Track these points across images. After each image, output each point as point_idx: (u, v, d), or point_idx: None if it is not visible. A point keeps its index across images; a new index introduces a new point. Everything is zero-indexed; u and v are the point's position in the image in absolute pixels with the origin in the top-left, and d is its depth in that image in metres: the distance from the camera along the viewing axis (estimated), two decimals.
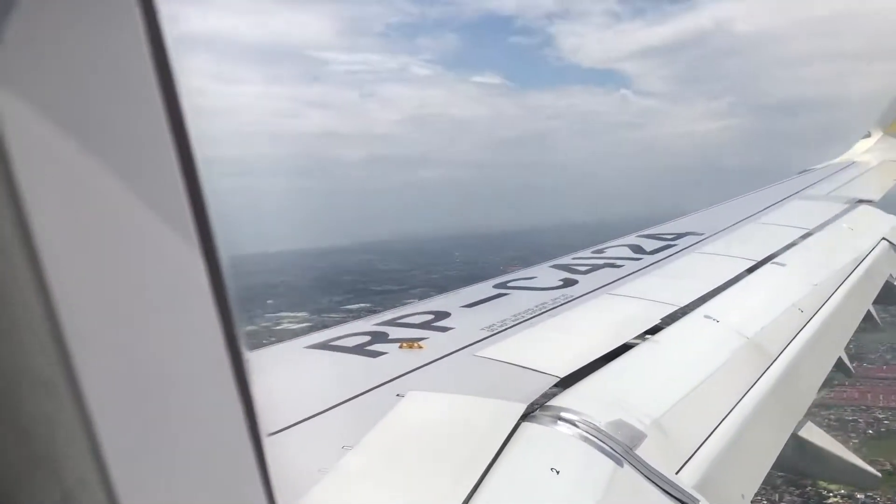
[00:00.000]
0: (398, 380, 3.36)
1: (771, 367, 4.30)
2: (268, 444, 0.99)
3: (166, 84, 0.79)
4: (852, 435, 30.90)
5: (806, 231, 7.30)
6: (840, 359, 5.44)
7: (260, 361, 3.75)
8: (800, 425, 4.35)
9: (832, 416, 32.92)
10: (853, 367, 6.17)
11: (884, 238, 7.84)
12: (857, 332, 6.07)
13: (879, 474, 5.88)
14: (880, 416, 32.75)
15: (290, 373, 3.67)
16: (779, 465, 3.94)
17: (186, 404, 0.86)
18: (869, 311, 6.51)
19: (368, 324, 4.40)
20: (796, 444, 4.26)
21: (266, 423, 0.99)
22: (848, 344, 5.83)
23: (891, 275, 7.44)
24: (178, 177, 0.81)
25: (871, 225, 8.40)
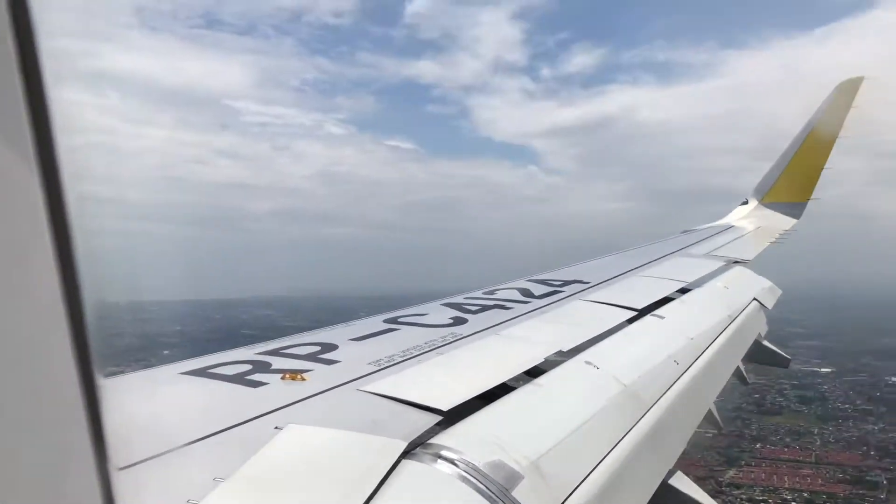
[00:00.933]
0: (278, 412, 3.28)
1: (646, 416, 4.44)
2: (118, 475, 0.95)
3: (37, 117, 0.76)
4: None
5: (684, 285, 7.65)
6: (710, 411, 5.68)
7: (128, 386, 3.58)
8: (670, 474, 4.50)
9: (744, 496, 34.58)
10: (721, 421, 6.45)
11: (755, 298, 8.32)
12: (727, 386, 6.37)
13: None
14: (787, 497, 34.52)
15: (161, 399, 3.51)
16: None
17: (29, 429, 0.81)
18: (739, 367, 6.86)
19: (251, 352, 4.28)
20: (666, 492, 4.40)
21: (120, 454, 0.95)
22: (720, 398, 6.11)
23: (759, 333, 7.89)
24: (41, 207, 0.78)
25: (744, 284, 8.91)
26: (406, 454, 2.96)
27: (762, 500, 33.98)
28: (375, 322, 5.31)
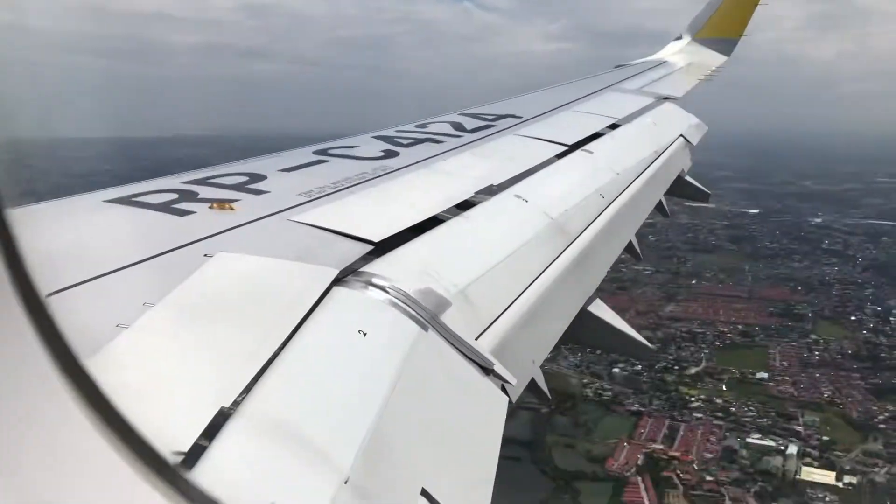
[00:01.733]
0: (206, 240, 3.25)
1: (570, 247, 4.60)
2: (48, 300, 0.94)
3: None
4: (703, 346, 34.71)
5: (614, 121, 7.72)
6: (631, 243, 5.92)
7: (51, 214, 3.48)
8: (589, 301, 4.74)
9: (683, 328, 36.67)
10: (640, 251, 6.73)
11: (681, 134, 8.48)
12: (647, 219, 6.61)
13: (653, 346, 6.59)
14: (724, 330, 36.75)
15: (86, 227, 3.44)
16: (568, 336, 4.30)
17: None
18: (661, 201, 7.09)
19: (176, 181, 4.18)
20: (585, 318, 4.65)
21: (45, 280, 0.94)
22: (639, 232, 6.34)
23: (683, 169, 8.10)
24: None
25: (672, 121, 9.04)
26: (337, 281, 3.02)
27: (701, 332, 36.36)
28: (305, 153, 5.22)
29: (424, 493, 2.23)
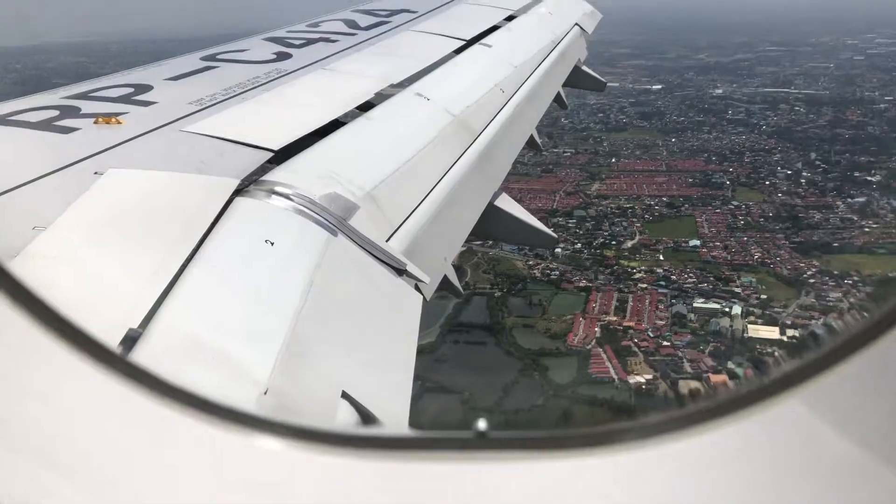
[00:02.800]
0: (95, 157, 3.08)
1: (474, 143, 4.60)
2: None
3: None
4: (634, 220, 35.54)
5: (511, 13, 7.61)
6: (532, 136, 5.96)
7: None
8: (495, 195, 4.79)
9: (612, 205, 37.42)
10: (541, 143, 6.79)
11: (576, 24, 8.46)
12: (547, 111, 6.66)
13: (556, 236, 6.77)
14: (650, 203, 37.63)
15: None
16: (476, 231, 4.36)
17: None
18: (559, 93, 7.12)
19: (55, 97, 3.90)
20: (492, 213, 4.70)
21: None
22: (553, 114, 6.37)
23: (579, 59, 8.13)
24: None
25: (567, 10, 8.98)
26: (238, 192, 2.93)
27: (629, 207, 37.22)
28: (192, 60, 4.94)
29: (345, 395, 2.25)
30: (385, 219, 3.42)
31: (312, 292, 2.55)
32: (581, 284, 30.67)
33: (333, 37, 5.84)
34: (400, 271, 3.09)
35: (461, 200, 4.15)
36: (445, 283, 3.72)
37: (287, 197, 3.03)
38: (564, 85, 7.32)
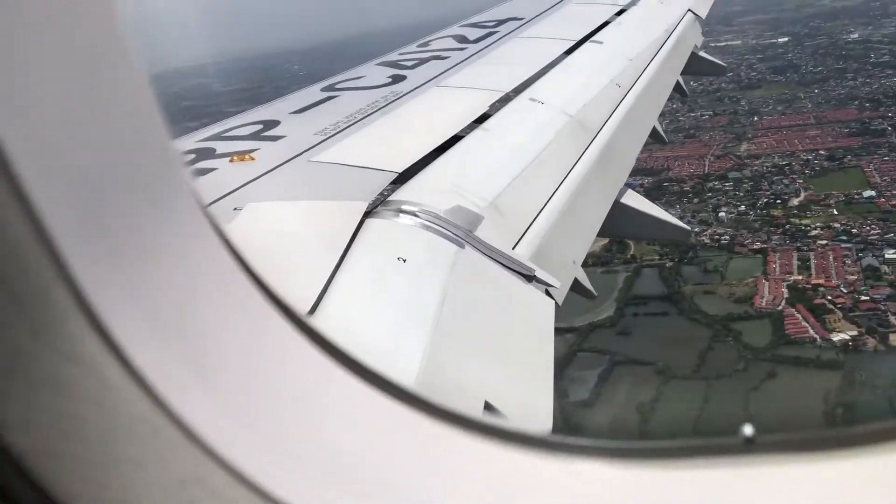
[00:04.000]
0: (233, 194, 3.27)
1: (593, 142, 4.54)
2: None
3: None
4: (794, 177, 33.33)
5: (621, 7, 7.47)
6: (655, 128, 5.82)
7: None
8: (621, 193, 4.70)
9: (766, 164, 35.19)
10: (666, 135, 6.62)
11: (689, 10, 8.20)
12: (668, 101, 6.48)
13: (689, 228, 6.59)
14: (807, 158, 34.66)
15: None
16: (604, 230, 4.30)
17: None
18: (678, 81, 6.92)
19: (190, 142, 4.18)
20: (619, 211, 4.62)
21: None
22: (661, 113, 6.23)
23: (695, 45, 7.87)
24: None
25: None
26: (368, 214, 3.03)
27: (786, 164, 34.98)
28: (312, 92, 5.16)
29: (488, 406, 2.28)
30: (510, 227, 3.44)
31: (446, 305, 2.60)
32: (755, 247, 28.77)
33: (444, 53, 5.94)
34: (529, 278, 3.10)
35: (585, 201, 4.10)
36: (576, 286, 3.69)
37: (414, 214, 3.10)
38: (683, 73, 7.11)
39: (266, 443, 0.98)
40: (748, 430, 1.01)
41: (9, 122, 0.69)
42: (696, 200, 32.68)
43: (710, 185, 33.00)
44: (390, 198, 3.25)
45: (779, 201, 31.53)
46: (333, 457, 1.04)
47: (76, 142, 0.79)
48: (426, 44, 6.43)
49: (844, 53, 48.85)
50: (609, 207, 4.39)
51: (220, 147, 3.97)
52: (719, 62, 8.38)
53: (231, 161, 3.72)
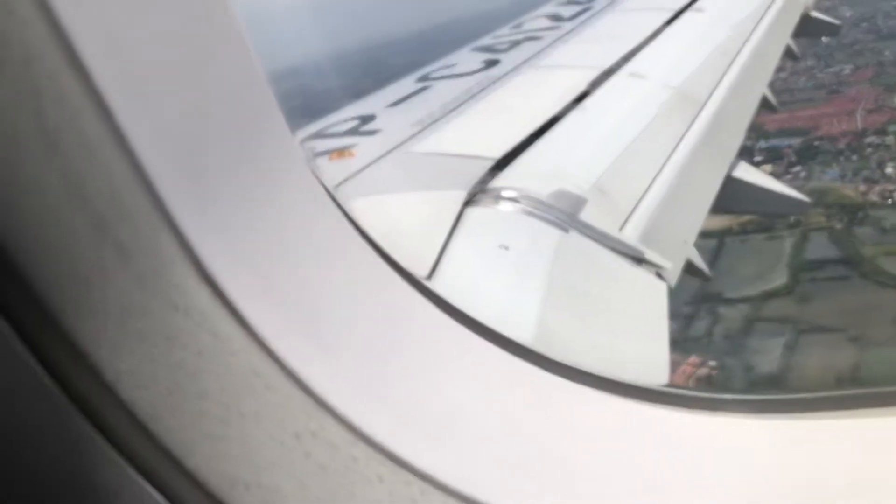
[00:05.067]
0: (336, 190, 3.29)
1: (700, 115, 4.33)
2: None
3: None
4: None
5: None
6: (765, 95, 5.50)
7: None
8: (732, 166, 4.47)
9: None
10: (776, 102, 6.26)
11: None
12: (779, 66, 6.12)
13: (809, 199, 6.24)
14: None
15: None
16: (718, 206, 4.09)
17: None
18: (789, 45, 6.52)
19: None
20: (731, 185, 4.39)
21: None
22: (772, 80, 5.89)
23: (806, 4, 7.40)
24: None
25: None
26: (468, 203, 2.97)
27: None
28: (407, 84, 5.15)
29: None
30: (615, 208, 3.31)
31: (552, 293, 2.51)
32: None
33: (538, 34, 5.81)
34: (638, 260, 2.97)
35: (694, 177, 3.91)
36: (690, 268, 3.52)
37: (514, 200, 3.03)
38: (794, 35, 6.69)
39: (384, 398, 0.95)
40: None
41: (106, 57, 0.68)
42: (854, 158, 30.34)
43: (868, 140, 30.55)
44: (489, 185, 3.18)
45: None
46: (454, 412, 1.01)
47: (180, 85, 0.77)
48: (519, 25, 6.32)
49: None
50: (720, 182, 4.17)
51: (319, 145, 4.01)
52: (833, 21, 7.85)
53: (331, 159, 3.75)
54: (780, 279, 23.92)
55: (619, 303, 2.91)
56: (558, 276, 2.64)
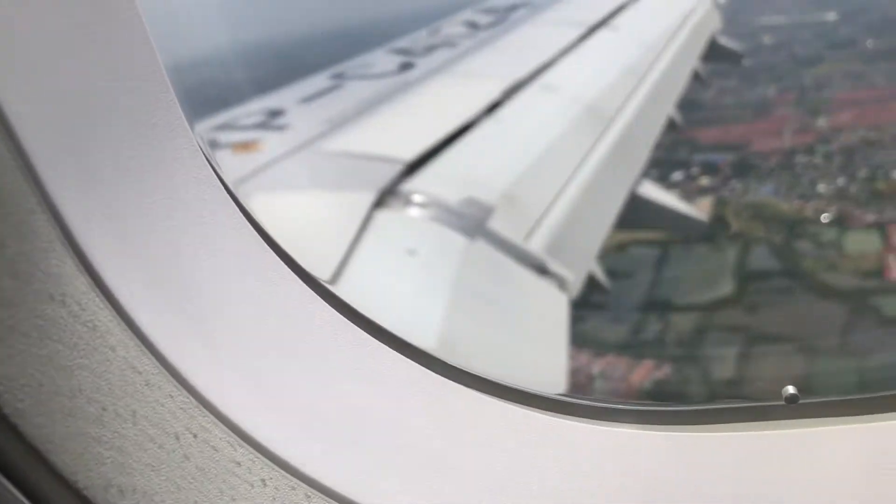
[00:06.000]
0: (239, 185, 3.19)
1: (608, 131, 4.42)
2: None
3: None
4: (892, 150, 31.86)
5: None
6: (671, 116, 5.68)
7: None
8: (637, 183, 4.58)
9: (853, 137, 33.67)
10: (682, 123, 6.49)
11: None
12: (686, 89, 6.34)
13: (706, 220, 6.52)
14: None
15: None
16: (621, 221, 4.18)
17: None
18: (695, 69, 6.77)
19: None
20: (636, 202, 4.51)
21: None
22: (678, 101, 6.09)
23: (713, 31, 7.71)
24: None
25: None
26: (377, 205, 2.94)
27: (875, 139, 33.45)
28: (321, 80, 5.07)
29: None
30: (523, 218, 3.34)
31: (457, 300, 2.51)
32: (868, 220, 27.41)
33: (454, 40, 5.82)
34: (542, 271, 3.00)
35: (600, 192, 4.00)
36: (591, 281, 3.59)
37: (424, 205, 3.01)
38: (701, 59, 6.96)
39: (273, 401, 0.90)
40: (791, 390, 0.97)
41: None
42: (786, 175, 31.51)
43: (798, 160, 31.78)
44: (400, 188, 3.15)
45: (880, 174, 30.15)
46: (346, 417, 0.98)
47: (64, 67, 0.71)
48: (436, 30, 6.32)
49: None
50: (624, 198, 4.27)
51: (223, 137, 3.89)
52: (736, 49, 8.24)
53: (235, 152, 3.63)
54: (726, 288, 24.86)
55: (521, 312, 2.94)
56: (464, 284, 2.64)
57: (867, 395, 0.96)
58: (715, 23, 7.74)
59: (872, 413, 0.92)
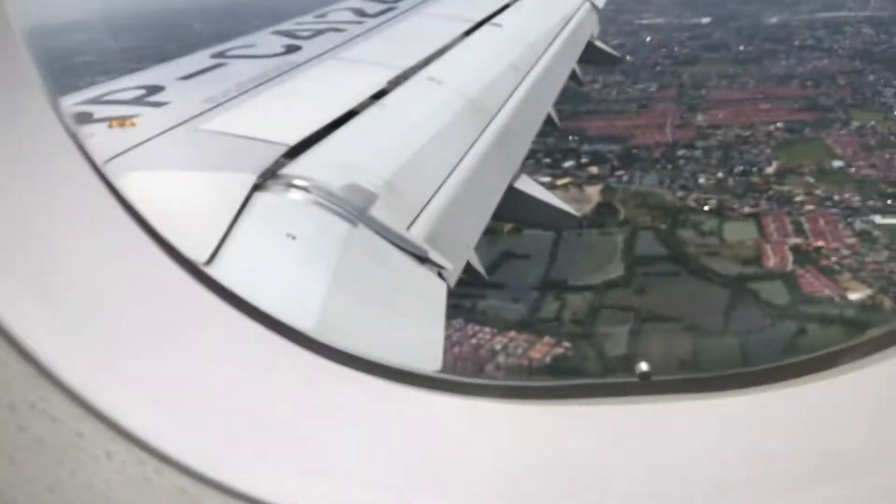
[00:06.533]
0: (112, 161, 3.06)
1: (490, 125, 4.54)
2: None
3: None
4: (760, 146, 33.05)
5: None
6: (549, 114, 5.89)
7: None
8: (515, 177, 4.73)
9: (729, 134, 34.72)
10: (566, 119, 6.72)
11: None
12: (563, 89, 6.57)
13: (578, 214, 6.77)
14: (769, 130, 34.66)
15: None
16: (498, 214, 4.31)
17: None
18: (574, 70, 7.03)
19: (67, 103, 3.89)
20: (513, 195, 4.65)
21: None
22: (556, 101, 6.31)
23: (591, 34, 8.02)
24: None
25: None
26: (257, 187, 2.90)
27: (749, 135, 34.77)
28: (202, 58, 4.92)
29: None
30: (405, 207, 3.39)
31: (336, 285, 2.52)
32: (745, 211, 28.79)
33: (341, 26, 5.80)
34: (422, 259, 3.06)
35: (480, 184, 4.10)
36: (469, 269, 3.69)
37: (305, 189, 3.00)
38: (580, 61, 7.23)
39: (128, 376, 0.89)
40: (643, 367, 1.04)
41: None
42: (669, 167, 32.77)
43: (681, 153, 33.06)
44: (281, 171, 3.13)
45: (754, 169, 31.96)
46: (209, 393, 0.97)
47: None
48: (323, 14, 6.26)
49: (768, 36, 49.76)
50: (503, 191, 4.41)
51: (99, 111, 3.72)
52: (614, 53, 8.60)
53: (110, 126, 3.49)
54: (616, 271, 25.79)
55: (401, 298, 2.98)
56: (344, 269, 2.66)
57: (713, 374, 1.06)
58: (594, 27, 8.05)
59: (718, 390, 1.02)
